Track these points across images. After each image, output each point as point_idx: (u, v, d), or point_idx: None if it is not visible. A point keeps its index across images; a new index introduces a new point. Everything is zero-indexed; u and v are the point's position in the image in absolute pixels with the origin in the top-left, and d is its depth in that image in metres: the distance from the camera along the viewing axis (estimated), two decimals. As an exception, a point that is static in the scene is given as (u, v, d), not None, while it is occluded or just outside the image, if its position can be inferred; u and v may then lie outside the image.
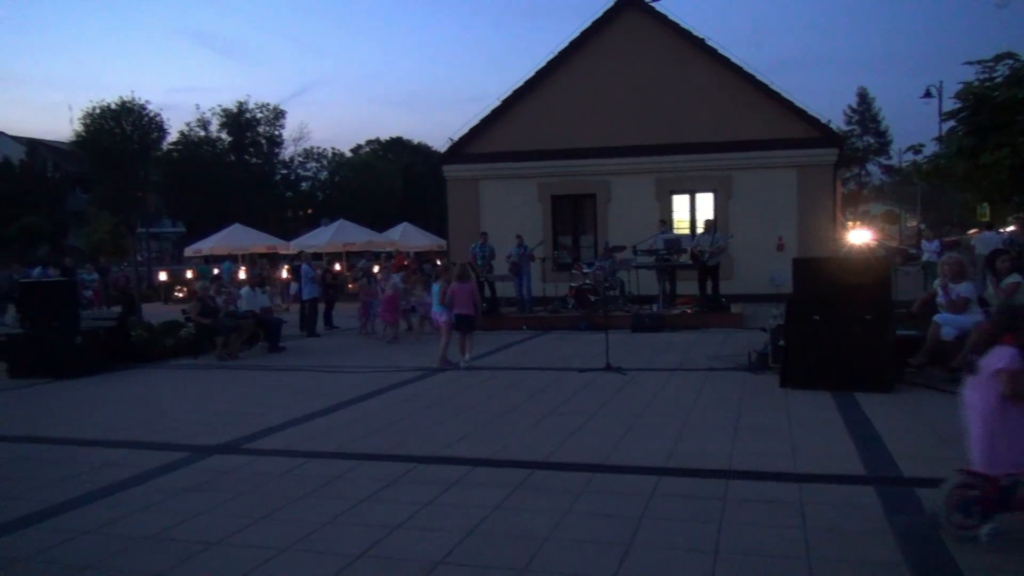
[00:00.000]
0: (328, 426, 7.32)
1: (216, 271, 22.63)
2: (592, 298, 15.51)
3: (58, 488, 5.50)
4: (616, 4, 19.65)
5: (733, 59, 19.07)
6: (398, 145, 67.18)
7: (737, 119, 18.69)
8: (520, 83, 20.18)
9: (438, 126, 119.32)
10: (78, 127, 36.07)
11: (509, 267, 16.96)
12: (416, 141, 68.35)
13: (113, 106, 35.87)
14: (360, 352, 12.97)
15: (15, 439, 7.13)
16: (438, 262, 28.38)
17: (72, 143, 38.37)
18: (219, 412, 8.20)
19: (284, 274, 26.41)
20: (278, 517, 4.74)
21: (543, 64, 20.02)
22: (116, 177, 36.27)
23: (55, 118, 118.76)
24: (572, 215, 20.58)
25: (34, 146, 58.82)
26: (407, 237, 30.57)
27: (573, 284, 16.42)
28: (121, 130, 35.86)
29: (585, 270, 16.45)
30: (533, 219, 19.69)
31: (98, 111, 35.78)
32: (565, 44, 19.90)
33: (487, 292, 16.45)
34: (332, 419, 7.63)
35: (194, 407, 8.55)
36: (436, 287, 11.41)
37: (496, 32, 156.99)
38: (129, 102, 36.19)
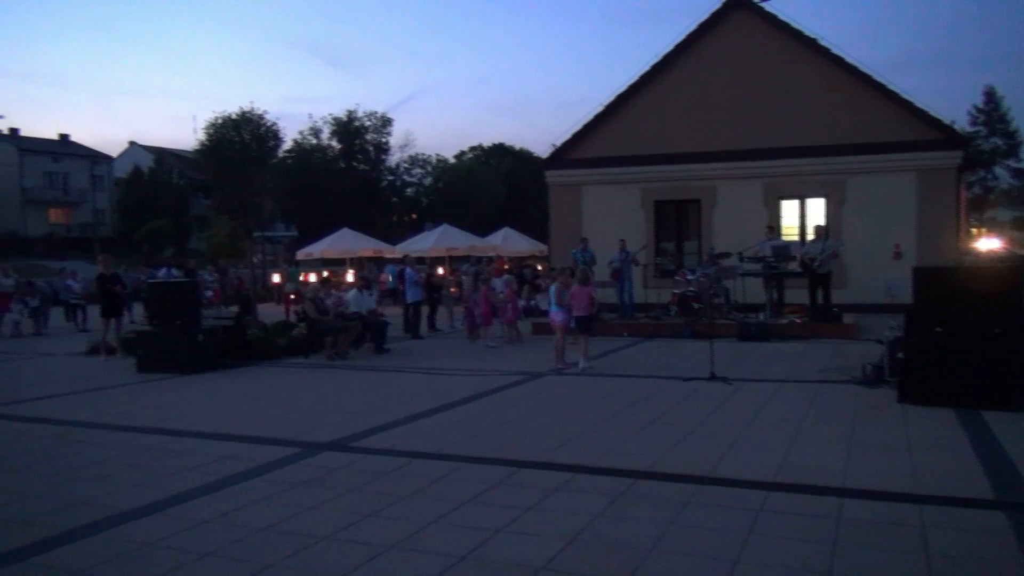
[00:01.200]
0: (432, 427, 7.45)
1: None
2: (696, 305, 15.18)
3: (181, 478, 5.81)
4: (724, 5, 19.23)
5: (847, 59, 18.33)
6: (500, 151, 67.91)
7: (851, 121, 17.93)
8: (624, 87, 20.03)
9: (540, 132, 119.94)
10: (202, 136, 38.14)
11: (611, 273, 16.83)
12: (518, 147, 68.94)
13: (234, 116, 37.73)
14: (461, 355, 13.15)
15: (144, 430, 7.59)
16: (539, 267, 28.56)
17: (196, 152, 40.57)
18: (328, 410, 8.48)
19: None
20: (384, 515, 4.86)
21: (648, 68, 19.80)
22: (235, 184, 38.11)
23: (181, 128, 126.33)
24: (675, 221, 20.24)
25: (162, 155, 62.61)
26: (508, 242, 30.83)
27: (676, 291, 16.13)
28: (240, 139, 37.65)
29: (689, 277, 16.13)
30: (635, 224, 19.47)
31: (220, 121, 37.71)
32: (671, 47, 19.64)
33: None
34: (436, 420, 7.77)
35: (305, 405, 8.87)
36: (553, 288, 11.51)
37: (599, 37, 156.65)
38: (248, 112, 38.00)
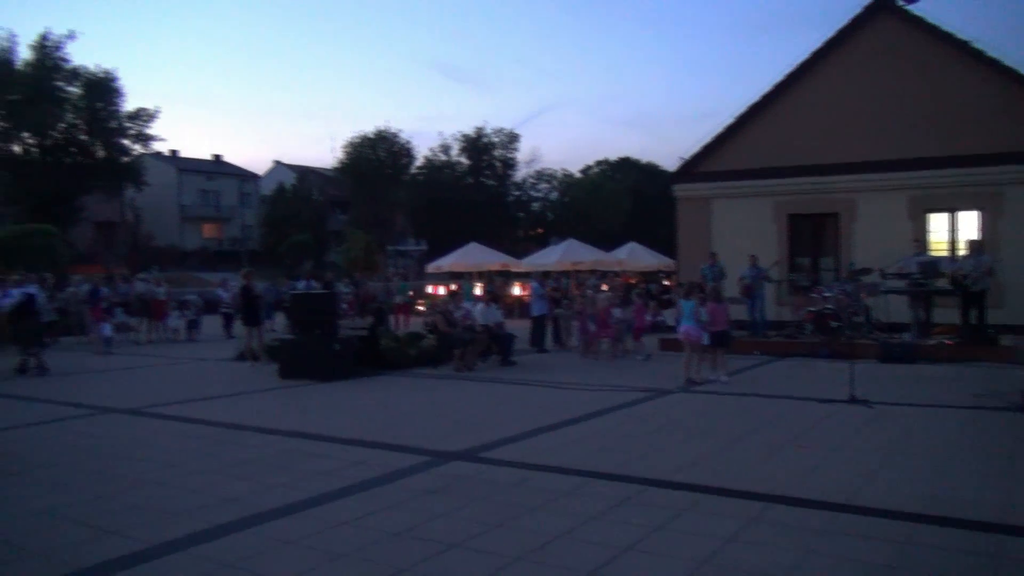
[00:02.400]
0: (558, 441, 7.46)
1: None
2: (833, 324, 14.48)
3: (320, 481, 6.09)
4: (867, 8, 18.35)
5: (1005, 62, 17.05)
6: (626, 165, 67.49)
7: (1011, 128, 16.62)
8: (757, 97, 19.45)
9: (667, 145, 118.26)
10: (340, 155, 40.05)
11: (741, 289, 16.34)
12: (644, 160, 68.31)
13: (370, 135, 39.42)
14: (586, 369, 13.11)
15: (286, 433, 8.01)
16: (665, 282, 28.10)
17: (334, 169, 42.61)
18: (457, 421, 8.66)
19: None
20: (511, 526, 4.91)
21: (783, 76, 19.15)
22: (370, 199, 39.78)
23: (321, 147, 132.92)
24: (811, 235, 19.39)
25: (303, 173, 66.11)
26: (634, 257, 30.51)
27: (812, 308, 15.43)
28: (376, 156, 39.29)
29: (826, 294, 15.41)
30: (767, 239, 18.81)
31: (358, 140, 39.48)
32: (808, 54, 18.92)
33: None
34: (561, 434, 7.78)
35: (435, 414, 9.10)
36: (689, 304, 11.41)
37: (729, 47, 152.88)
38: (384, 131, 39.63)
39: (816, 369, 12.48)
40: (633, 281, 26.51)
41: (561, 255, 27.87)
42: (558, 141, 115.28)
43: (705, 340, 11.32)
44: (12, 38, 40.82)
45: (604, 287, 18.22)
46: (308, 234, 52.91)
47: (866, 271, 15.29)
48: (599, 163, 67.51)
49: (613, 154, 78.18)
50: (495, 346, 13.90)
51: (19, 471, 6.53)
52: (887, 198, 17.88)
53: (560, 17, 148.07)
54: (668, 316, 18.83)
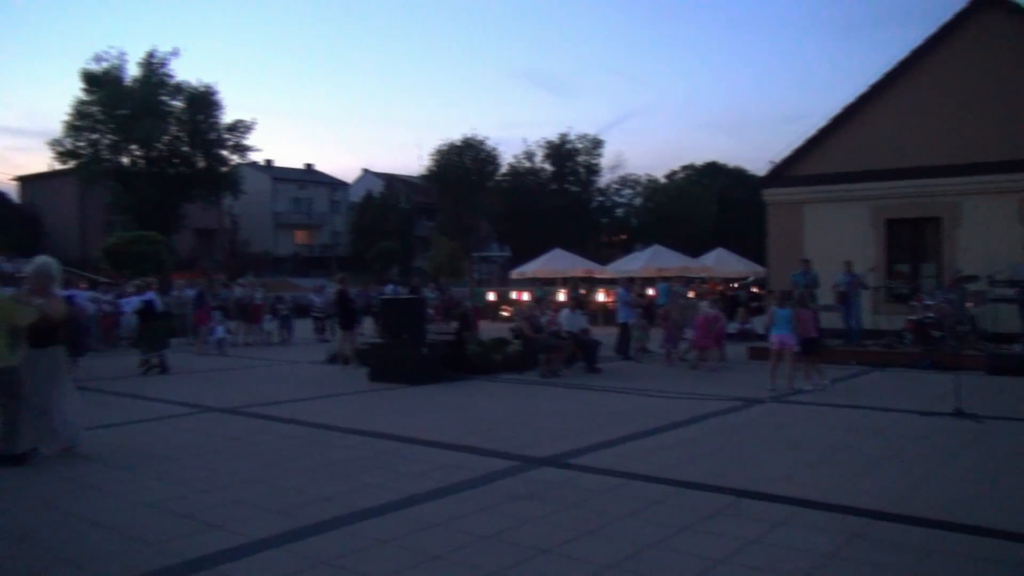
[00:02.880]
0: (647, 449, 7.37)
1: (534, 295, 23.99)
2: (936, 333, 13.83)
3: (412, 482, 6.19)
4: (972, 4, 17.49)
5: None
6: (713, 170, 66.33)
7: None
8: (852, 99, 18.78)
9: (756, 149, 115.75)
10: (428, 162, 40.80)
11: (835, 296, 15.80)
12: (732, 165, 66.98)
13: (457, 143, 40.01)
14: (674, 378, 12.92)
15: (377, 435, 8.18)
16: (754, 289, 27.40)
17: (421, 177, 43.40)
18: (543, 426, 8.67)
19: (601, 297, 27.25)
20: (603, 533, 4.87)
21: (880, 76, 18.43)
22: (457, 206, 40.35)
23: (408, 155, 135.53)
24: (910, 241, 18.57)
25: (391, 181, 67.58)
26: (722, 263, 29.90)
27: (912, 317, 14.78)
28: (463, 164, 39.84)
29: (927, 302, 14.74)
30: (863, 245, 18.09)
31: (445, 148, 40.12)
32: (907, 53, 18.16)
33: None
34: (650, 442, 7.68)
35: (522, 419, 9.13)
36: (784, 312, 11.17)
37: (821, 47, 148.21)
38: (471, 139, 40.15)
39: (917, 380, 11.95)
40: (719, 288, 25.97)
41: (646, 261, 27.57)
42: (643, 146, 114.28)
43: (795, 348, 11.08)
44: (122, 56, 43.31)
45: (692, 294, 17.91)
46: (394, 240, 54.06)
47: (972, 278, 14.55)
48: (685, 168, 66.58)
49: (699, 159, 77.00)
50: (580, 353, 13.85)
51: (133, 465, 6.88)
52: (995, 201, 16.95)
53: (645, 21, 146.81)
54: (758, 324, 18.35)
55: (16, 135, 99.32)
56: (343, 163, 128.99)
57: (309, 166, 72.01)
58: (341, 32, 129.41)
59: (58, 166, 45.51)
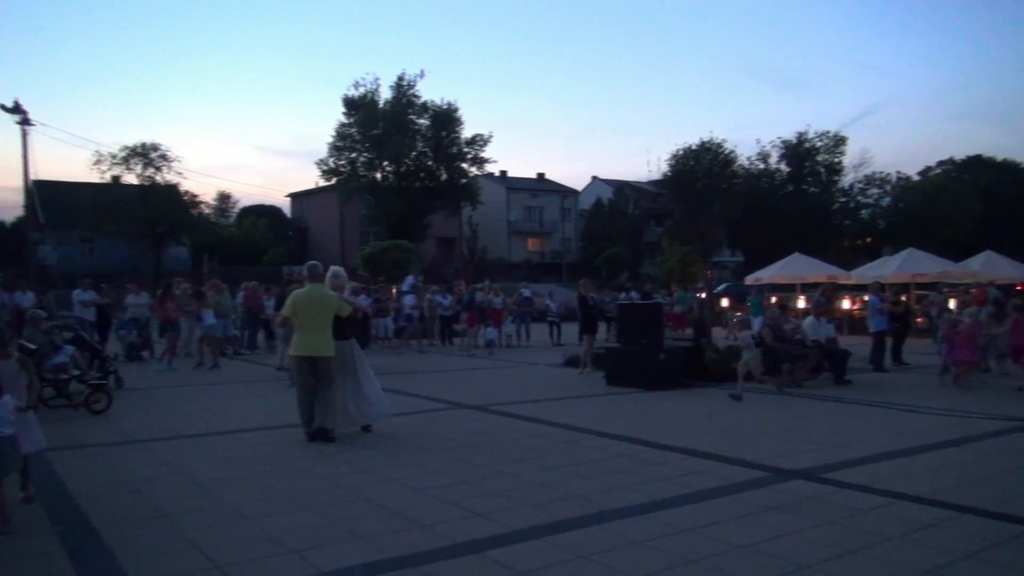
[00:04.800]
0: (913, 468, 6.84)
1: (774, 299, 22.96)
2: None
3: (658, 486, 6.23)
4: None
5: None
6: (976, 164, 59.70)
7: None
8: None
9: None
10: (664, 167, 40.65)
11: None
12: (1000, 158, 59.78)
13: (693, 147, 39.49)
14: (936, 392, 11.80)
15: (618, 437, 8.31)
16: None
17: (656, 182, 43.29)
18: (790, 437, 8.32)
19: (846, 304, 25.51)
20: (869, 554, 4.61)
21: None
22: (692, 211, 39.79)
23: (636, 161, 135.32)
24: None
25: (620, 187, 67.98)
26: (990, 267, 26.70)
27: None
28: (699, 167, 39.23)
29: None
30: None
31: (680, 152, 39.77)
32: None
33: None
34: (916, 461, 7.11)
35: (766, 430, 8.82)
36: None
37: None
38: (707, 142, 39.42)
39: None
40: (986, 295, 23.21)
41: (899, 266, 25.37)
42: (891, 141, 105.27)
43: None
44: (376, 81, 47.56)
45: (952, 302, 16.23)
46: (624, 247, 54.24)
47: None
48: (941, 163, 60.56)
49: (958, 152, 69.52)
50: (828, 363, 13.08)
51: (398, 453, 7.58)
52: None
53: (889, 3, 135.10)
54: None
55: (288, 157, 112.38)
56: (573, 171, 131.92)
57: (541, 175, 74.31)
58: (570, 42, 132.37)
59: (322, 183, 50.94)
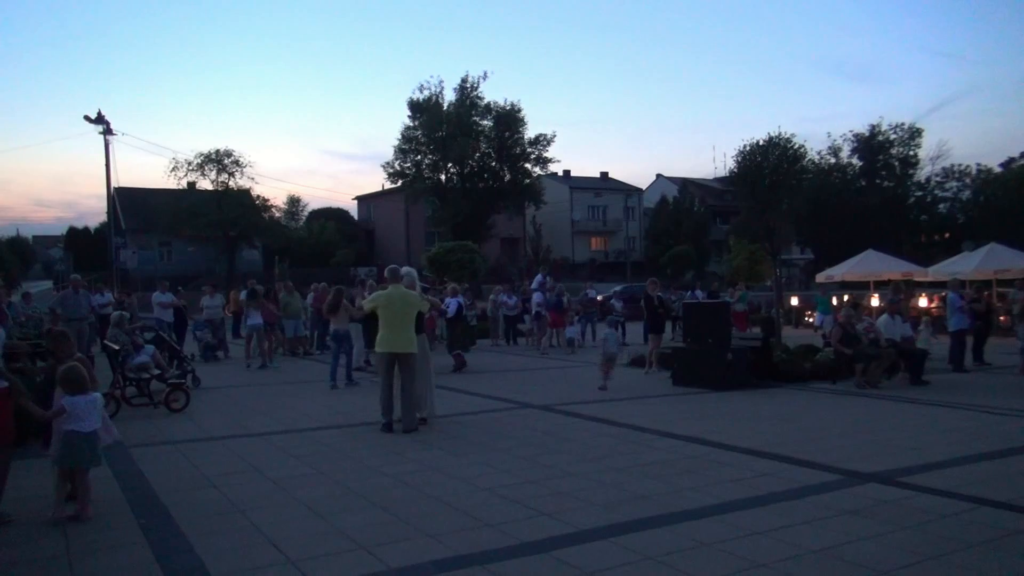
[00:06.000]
0: (992, 472, 6.57)
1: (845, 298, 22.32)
2: None
3: (727, 488, 6.14)
4: None
5: None
6: (1065, 154, 56.65)
7: None
8: None
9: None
10: (730, 164, 39.97)
11: None
12: (1092, 147, 56.71)
13: (760, 142, 38.75)
14: (1019, 394, 11.28)
15: (686, 438, 8.21)
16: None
17: (723, 179, 42.61)
18: (865, 440, 8.08)
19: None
20: (951, 561, 4.46)
21: None
22: (761, 207, 39.00)
23: (700, 158, 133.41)
24: None
25: (684, 185, 67.14)
26: (1083, 262, 25.37)
27: None
28: (768, 163, 38.43)
29: None
30: None
31: (747, 148, 39.09)
32: None
33: None
34: (999, 465, 6.84)
35: (839, 431, 8.59)
36: None
37: None
38: (776, 137, 38.62)
39: None
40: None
41: (981, 261, 24.35)
42: (971, 133, 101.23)
43: None
44: (440, 84, 48.08)
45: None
46: (689, 245, 53.50)
47: None
48: (1026, 154, 57.63)
49: (1046, 142, 66.22)
50: (904, 363, 12.66)
51: (465, 452, 7.64)
52: None
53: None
54: None
55: (354, 160, 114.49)
56: (637, 169, 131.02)
57: (604, 174, 73.90)
58: (633, 39, 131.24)
59: (388, 185, 51.76)
